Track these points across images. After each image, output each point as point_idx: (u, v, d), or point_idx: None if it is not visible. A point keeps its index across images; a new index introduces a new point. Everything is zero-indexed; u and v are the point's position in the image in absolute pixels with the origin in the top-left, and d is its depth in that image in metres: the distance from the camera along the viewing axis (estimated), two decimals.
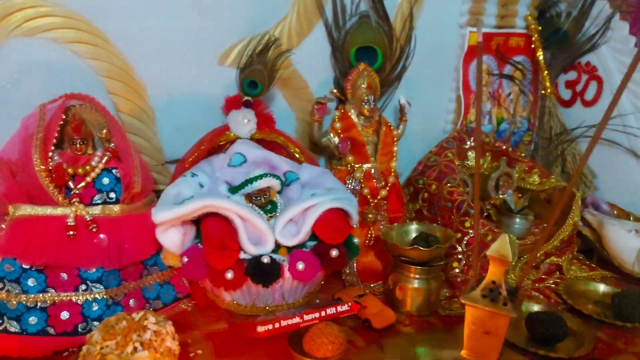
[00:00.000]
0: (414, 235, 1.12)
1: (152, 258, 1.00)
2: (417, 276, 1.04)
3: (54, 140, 0.93)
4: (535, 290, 1.14)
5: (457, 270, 1.14)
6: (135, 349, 0.71)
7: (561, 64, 1.47)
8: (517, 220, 1.26)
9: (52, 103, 0.95)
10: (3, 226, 0.88)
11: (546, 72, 1.44)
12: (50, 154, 0.92)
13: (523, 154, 1.45)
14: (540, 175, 1.38)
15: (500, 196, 1.35)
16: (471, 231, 1.14)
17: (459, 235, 1.16)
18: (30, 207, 0.90)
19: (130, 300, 0.95)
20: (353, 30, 1.26)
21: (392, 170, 1.26)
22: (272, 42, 1.16)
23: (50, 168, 0.92)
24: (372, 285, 1.17)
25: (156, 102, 1.14)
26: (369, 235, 1.21)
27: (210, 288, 1.01)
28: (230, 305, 1.01)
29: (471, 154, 1.38)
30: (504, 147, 1.40)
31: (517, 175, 1.39)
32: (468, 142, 1.39)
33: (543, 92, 1.45)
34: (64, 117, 0.94)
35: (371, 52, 1.26)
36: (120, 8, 1.04)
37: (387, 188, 1.23)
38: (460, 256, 1.15)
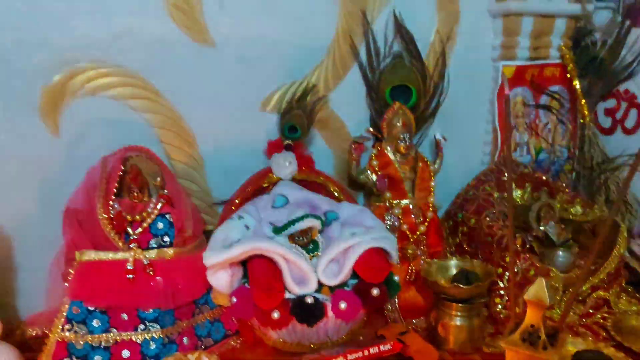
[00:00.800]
0: (454, 271, 1.13)
1: (203, 297, 1.06)
2: (459, 313, 1.05)
3: (114, 190, 1.01)
4: (582, 326, 1.13)
5: (499, 307, 1.14)
6: None
7: (599, 92, 1.46)
8: (561, 253, 1.25)
9: (112, 155, 1.04)
10: (71, 271, 0.97)
11: (584, 100, 1.44)
12: (111, 202, 1.01)
13: (564, 184, 1.44)
14: (583, 206, 1.36)
15: (542, 228, 1.34)
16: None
17: (500, 270, 1.16)
18: (95, 252, 0.98)
19: (184, 338, 1.01)
20: (387, 71, 1.31)
21: (430, 205, 1.28)
22: (310, 89, 1.22)
23: (111, 216, 1.00)
24: (414, 321, 1.19)
25: (205, 148, 1.22)
26: (410, 271, 1.23)
27: (258, 326, 1.05)
28: (276, 343, 1.05)
29: None
30: (544, 178, 1.40)
31: (559, 206, 1.37)
32: (506, 174, 1.39)
33: (582, 120, 1.45)
34: (122, 168, 1.03)
35: (406, 91, 1.30)
36: (171, 65, 1.13)
37: (426, 224, 1.25)
38: (502, 292, 1.15)
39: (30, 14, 1.01)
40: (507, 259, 1.16)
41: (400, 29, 1.28)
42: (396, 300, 1.20)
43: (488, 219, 1.24)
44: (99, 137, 1.10)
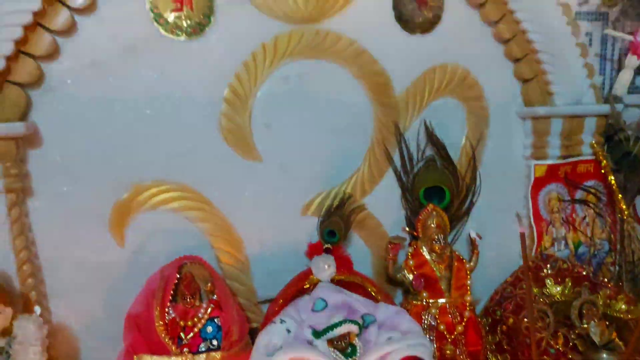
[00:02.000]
0: None
1: None
2: None
3: (170, 297, 1.12)
4: None
5: None
6: None
7: (636, 187, 1.47)
8: (605, 356, 1.23)
9: (169, 265, 1.15)
10: None
11: (620, 195, 1.45)
12: (166, 309, 1.11)
13: (606, 279, 1.43)
14: (627, 302, 1.34)
15: (585, 326, 1.32)
16: None
17: None
18: (150, 357, 1.08)
19: None
20: (420, 173, 1.39)
21: (467, 304, 1.31)
22: (347, 198, 1.32)
23: (166, 322, 1.10)
24: None
25: (251, 251, 1.32)
26: None
27: None
28: None
29: (549, 282, 1.39)
30: (585, 272, 1.40)
31: (601, 302, 1.36)
32: (545, 270, 1.40)
33: (620, 215, 1.45)
34: (178, 275, 1.14)
35: (439, 191, 1.38)
36: (222, 179, 1.27)
37: (463, 323, 1.27)
38: None
39: (107, 142, 1.18)
40: None
41: (432, 137, 1.38)
42: None
43: (526, 320, 1.25)
44: (159, 247, 1.22)
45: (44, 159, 1.14)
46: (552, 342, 1.19)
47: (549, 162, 1.45)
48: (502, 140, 1.48)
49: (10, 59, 1.06)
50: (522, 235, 1.03)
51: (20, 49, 1.07)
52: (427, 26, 1.36)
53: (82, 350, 1.21)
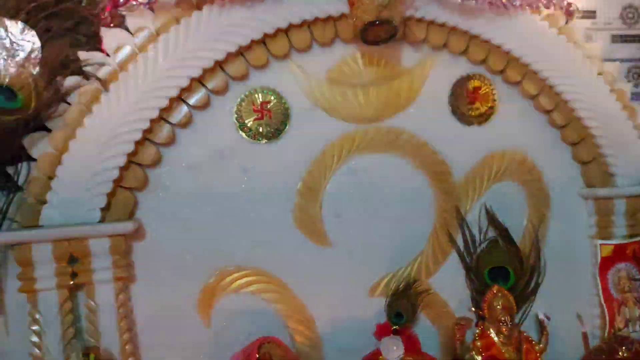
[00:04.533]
0: None
1: None
2: None
3: None
4: None
5: None
6: None
7: None
8: None
9: (250, 345, 1.27)
10: None
11: None
12: None
13: None
14: None
15: None
16: None
17: None
18: None
19: None
20: (484, 254, 1.45)
21: None
22: (413, 282, 1.39)
23: None
24: None
25: (323, 330, 1.41)
26: None
27: None
28: None
29: None
30: None
31: None
32: (620, 352, 1.38)
33: None
34: (257, 355, 1.25)
35: (503, 271, 1.42)
36: (296, 263, 1.39)
37: None
38: None
39: (198, 234, 1.34)
40: None
41: (493, 220, 1.44)
42: None
43: None
44: (239, 326, 1.34)
45: (146, 250, 1.32)
46: None
47: (615, 241, 1.46)
48: (565, 220, 1.52)
49: (122, 169, 1.26)
50: (585, 336, 1.05)
51: (131, 159, 1.28)
52: (483, 118, 1.47)
53: None
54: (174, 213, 1.33)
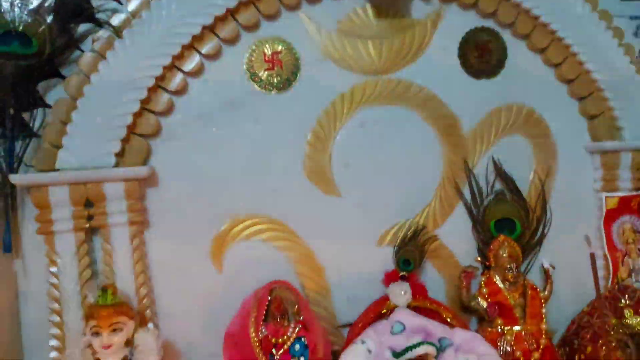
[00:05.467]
0: None
1: None
2: None
3: (262, 317, 1.26)
4: None
5: None
6: None
7: None
8: None
9: (261, 289, 1.30)
10: None
11: None
12: (260, 327, 1.25)
13: None
14: None
15: None
16: None
17: None
18: None
19: None
20: (490, 206, 1.47)
21: (543, 332, 1.34)
22: (420, 229, 1.42)
23: (260, 339, 1.23)
24: None
25: (331, 278, 1.44)
26: None
27: None
28: None
29: (628, 313, 1.39)
30: None
31: None
32: (623, 300, 1.41)
33: None
34: (269, 298, 1.28)
35: (509, 223, 1.45)
36: (306, 212, 1.42)
37: (540, 350, 1.30)
38: None
39: (210, 182, 1.37)
40: None
41: (500, 172, 1.46)
42: None
43: (604, 347, 1.26)
44: (251, 273, 1.37)
45: (159, 196, 1.35)
46: None
47: (621, 194, 1.48)
48: (571, 174, 1.53)
49: (136, 115, 1.28)
50: (592, 256, 1.08)
51: (144, 106, 1.30)
52: (491, 72, 1.48)
53: None
54: (186, 161, 1.36)
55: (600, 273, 1.52)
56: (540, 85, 1.51)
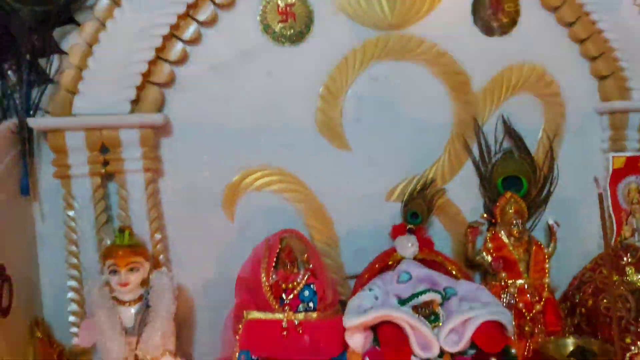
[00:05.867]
0: (571, 348, 1.20)
1: (339, 357, 1.25)
2: None
3: (273, 263, 1.29)
4: None
5: None
6: None
7: None
8: None
9: (272, 236, 1.33)
10: (240, 327, 1.24)
11: None
12: (271, 273, 1.28)
13: None
14: None
15: None
16: (632, 347, 1.18)
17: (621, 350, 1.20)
18: (257, 312, 1.25)
19: None
20: (498, 164, 1.49)
21: (546, 286, 1.37)
22: (429, 182, 1.44)
23: (270, 284, 1.27)
24: None
25: (339, 231, 1.48)
26: (527, 347, 1.31)
27: None
28: None
29: (630, 270, 1.42)
30: None
31: None
32: (625, 258, 1.43)
33: None
34: (279, 246, 1.32)
35: (516, 181, 1.47)
36: (317, 165, 1.44)
37: (542, 303, 1.34)
38: None
39: (223, 133, 1.39)
40: (628, 340, 1.20)
41: (509, 130, 1.47)
42: None
43: (605, 301, 1.29)
44: (262, 223, 1.40)
45: (173, 146, 1.37)
46: (632, 322, 1.22)
47: (628, 154, 1.49)
48: (580, 134, 1.55)
49: (151, 63, 1.30)
50: (600, 196, 1.10)
51: (159, 55, 1.31)
52: (504, 29, 1.48)
53: (197, 309, 1.41)
54: (199, 112, 1.37)
55: None
56: (552, 45, 1.51)
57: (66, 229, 1.28)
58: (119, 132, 1.27)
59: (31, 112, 1.27)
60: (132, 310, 1.17)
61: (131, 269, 1.16)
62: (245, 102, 1.39)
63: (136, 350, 1.13)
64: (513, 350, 1.18)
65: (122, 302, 1.17)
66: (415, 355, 1.14)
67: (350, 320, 1.16)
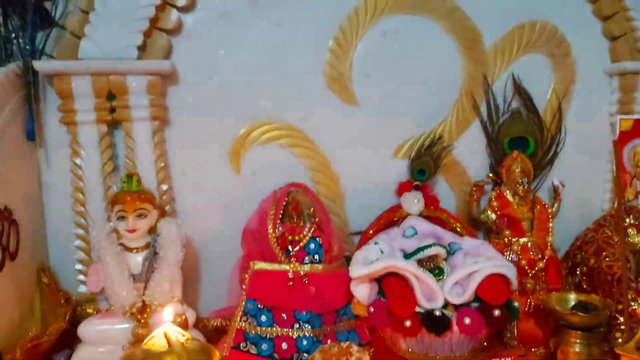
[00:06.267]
0: (572, 303, 1.22)
1: (343, 309, 1.27)
2: (578, 341, 1.14)
3: (280, 216, 1.30)
4: None
5: (620, 341, 1.19)
6: None
7: None
8: None
9: (280, 189, 1.33)
10: (247, 277, 1.25)
11: None
12: (277, 225, 1.29)
13: None
14: None
15: None
16: (633, 303, 1.20)
17: (621, 306, 1.22)
18: (264, 263, 1.26)
19: (328, 341, 1.22)
20: (506, 124, 1.48)
21: (549, 244, 1.39)
22: (437, 139, 1.44)
23: (277, 235, 1.27)
24: (532, 350, 1.28)
25: (345, 187, 1.48)
26: (529, 304, 1.33)
27: (389, 336, 1.23)
28: (405, 353, 1.21)
29: (631, 231, 1.43)
30: None
31: None
32: (627, 220, 1.45)
33: None
34: (286, 199, 1.32)
35: (523, 142, 1.46)
36: (324, 120, 1.43)
37: (545, 260, 1.36)
38: (622, 327, 1.20)
39: (230, 84, 1.37)
40: (629, 296, 1.22)
41: (519, 89, 1.46)
42: (515, 329, 1.30)
43: (607, 259, 1.31)
44: (268, 176, 1.40)
45: (179, 96, 1.35)
46: (632, 280, 1.24)
47: (636, 116, 1.49)
48: (588, 96, 1.54)
49: (158, 9, 1.27)
50: (615, 143, 1.10)
51: (167, 0, 1.28)
52: None
53: (202, 261, 1.42)
54: (206, 61, 1.35)
55: (607, 195, 1.57)
56: (565, 3, 1.48)
57: (72, 176, 1.27)
58: (126, 79, 1.25)
59: (36, 56, 1.24)
60: (140, 257, 1.18)
61: (139, 216, 1.16)
62: (253, 53, 1.37)
63: (143, 297, 1.14)
64: (516, 304, 1.20)
65: (129, 249, 1.18)
66: (419, 306, 1.16)
67: (357, 271, 1.17)
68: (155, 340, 0.79)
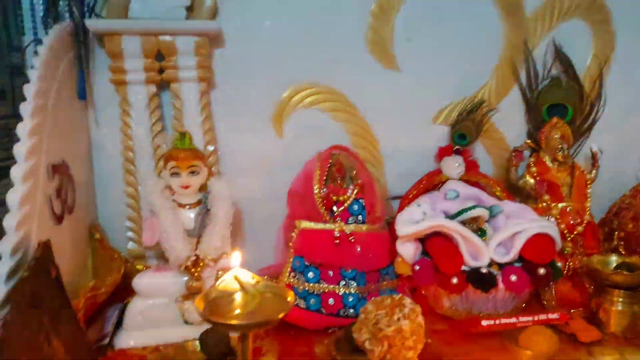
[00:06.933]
0: (614, 265, 1.24)
1: (385, 269, 1.30)
2: (621, 299, 1.16)
3: (324, 177, 1.32)
4: None
5: None
6: (398, 318, 0.99)
7: None
8: None
9: (324, 151, 1.35)
10: (293, 235, 1.27)
11: None
12: (322, 185, 1.31)
13: None
14: None
15: None
16: None
17: None
18: (309, 222, 1.28)
19: (372, 298, 1.25)
20: (545, 91, 1.49)
21: (587, 209, 1.40)
22: (479, 103, 1.44)
23: (322, 195, 1.30)
24: (571, 310, 1.30)
25: (385, 152, 1.49)
26: (567, 267, 1.35)
27: (432, 295, 1.26)
28: (448, 311, 1.24)
29: None
30: None
31: None
32: None
33: None
34: (330, 161, 1.34)
35: (562, 109, 1.47)
36: (365, 85, 1.44)
37: (583, 225, 1.37)
38: None
39: (274, 47, 1.38)
40: None
41: (559, 55, 1.47)
42: (553, 291, 1.32)
43: None
44: (310, 140, 1.41)
45: (224, 57, 1.36)
46: None
47: None
48: (627, 64, 1.54)
49: None
50: None
51: None
52: None
53: (246, 223, 1.45)
54: (250, 24, 1.36)
55: None
56: None
57: (122, 135, 1.30)
58: (175, 39, 1.26)
59: (87, 16, 1.25)
60: (192, 213, 1.20)
61: (192, 172, 1.18)
62: (296, 16, 1.38)
63: (196, 251, 1.17)
64: (559, 264, 1.22)
65: (182, 205, 1.20)
66: (465, 264, 1.19)
67: (404, 229, 1.20)
68: (227, 284, 0.82)
